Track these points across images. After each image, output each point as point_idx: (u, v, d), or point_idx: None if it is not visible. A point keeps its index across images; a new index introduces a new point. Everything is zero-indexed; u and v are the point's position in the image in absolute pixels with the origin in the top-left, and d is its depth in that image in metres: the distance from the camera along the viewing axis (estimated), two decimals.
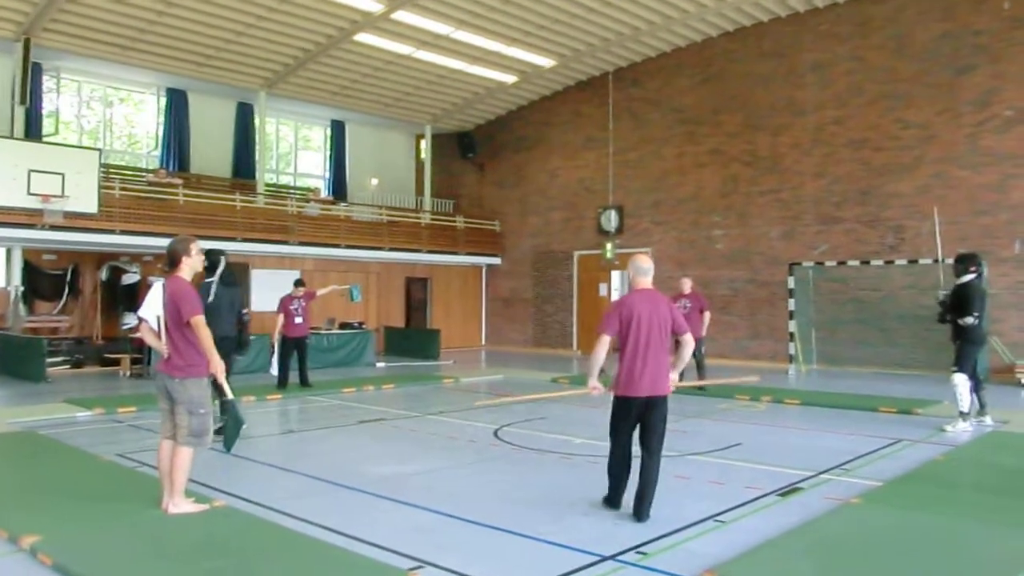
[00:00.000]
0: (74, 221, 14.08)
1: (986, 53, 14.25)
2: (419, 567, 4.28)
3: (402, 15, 15.73)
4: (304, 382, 12.07)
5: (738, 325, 17.19)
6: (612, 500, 5.42)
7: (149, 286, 5.67)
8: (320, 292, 12.81)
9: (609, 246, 19.22)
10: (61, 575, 4.20)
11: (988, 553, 4.55)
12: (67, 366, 14.62)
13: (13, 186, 13.27)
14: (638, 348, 5.22)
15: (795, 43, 16.58)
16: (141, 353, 13.79)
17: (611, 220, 19.51)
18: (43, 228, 13.86)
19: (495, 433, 8.51)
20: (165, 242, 5.69)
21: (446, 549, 4.59)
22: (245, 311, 8.65)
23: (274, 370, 12.00)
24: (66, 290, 16.24)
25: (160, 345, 5.18)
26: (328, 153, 21.92)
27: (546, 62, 18.77)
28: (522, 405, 10.06)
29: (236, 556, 4.42)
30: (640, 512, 5.14)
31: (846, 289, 15.80)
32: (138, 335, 8.41)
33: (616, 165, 19.52)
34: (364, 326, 17.82)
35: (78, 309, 16.71)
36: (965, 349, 8.54)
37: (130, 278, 16.12)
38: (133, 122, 19.16)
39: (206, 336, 5.03)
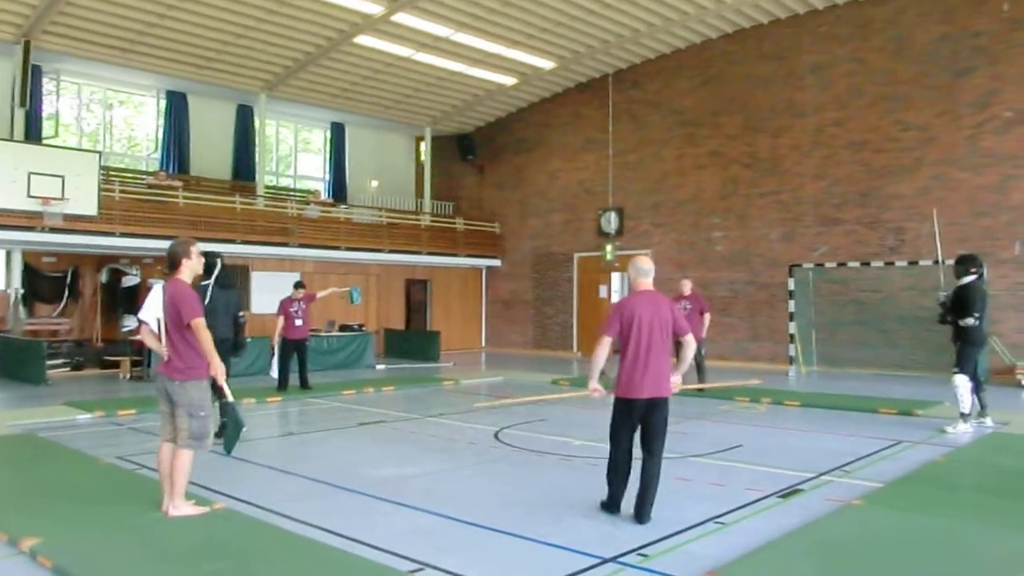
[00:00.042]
0: (74, 223, 14.08)
1: (986, 55, 14.26)
2: (419, 569, 4.27)
3: (402, 17, 15.75)
4: (304, 384, 12.05)
5: (738, 327, 17.18)
6: (610, 505, 5.36)
7: (149, 288, 5.67)
8: (320, 294, 12.80)
9: (609, 248, 19.21)
10: None
11: (989, 554, 4.55)
12: (67, 368, 14.60)
13: (13, 189, 13.28)
14: (639, 350, 5.20)
15: (795, 45, 16.58)
16: (141, 355, 13.79)
17: (611, 222, 19.51)
18: (43, 230, 13.87)
19: (495, 435, 8.51)
20: (165, 244, 5.70)
21: (446, 551, 4.59)
22: (241, 314, 8.65)
23: (274, 372, 11.98)
24: (66, 292, 16.25)
25: (160, 347, 5.18)
26: (328, 155, 21.93)
27: (546, 64, 18.79)
28: (522, 407, 10.06)
29: (236, 558, 4.42)
30: (641, 514, 5.13)
31: (846, 291, 15.79)
32: (138, 337, 8.44)
33: (616, 167, 19.53)
34: (364, 328, 17.80)
35: (78, 311, 16.70)
36: (966, 350, 8.54)
37: (130, 280, 16.13)
38: (133, 124, 19.16)
39: (206, 338, 5.03)
